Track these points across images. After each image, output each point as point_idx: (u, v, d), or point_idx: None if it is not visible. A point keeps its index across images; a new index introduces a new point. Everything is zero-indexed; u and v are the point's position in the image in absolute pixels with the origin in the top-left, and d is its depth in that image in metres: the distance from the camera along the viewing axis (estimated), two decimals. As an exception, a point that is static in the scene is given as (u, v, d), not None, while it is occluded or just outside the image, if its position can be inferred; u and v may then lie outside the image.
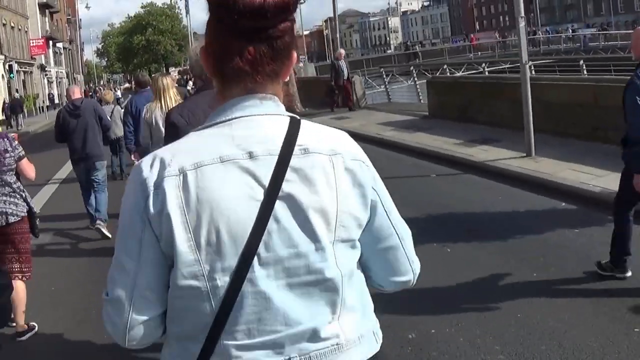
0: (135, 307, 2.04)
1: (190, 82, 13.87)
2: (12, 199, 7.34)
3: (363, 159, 2.20)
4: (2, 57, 66.60)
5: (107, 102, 18.51)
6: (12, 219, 7.28)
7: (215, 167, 1.97)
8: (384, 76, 37.13)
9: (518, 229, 10.45)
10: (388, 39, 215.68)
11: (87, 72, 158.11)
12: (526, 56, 15.50)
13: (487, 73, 34.94)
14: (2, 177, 7.26)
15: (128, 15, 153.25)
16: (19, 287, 7.38)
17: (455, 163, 16.39)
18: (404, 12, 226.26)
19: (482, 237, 10.26)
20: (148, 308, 2.05)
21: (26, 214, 7.52)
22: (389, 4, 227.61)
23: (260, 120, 2.06)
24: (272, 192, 1.97)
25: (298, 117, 2.14)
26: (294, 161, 2.02)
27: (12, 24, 77.38)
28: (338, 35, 35.61)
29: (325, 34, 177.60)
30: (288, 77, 2.23)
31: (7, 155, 7.27)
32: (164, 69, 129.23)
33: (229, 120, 2.06)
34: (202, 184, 1.96)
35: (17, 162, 7.50)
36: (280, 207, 1.98)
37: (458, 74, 37.11)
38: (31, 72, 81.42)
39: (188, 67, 8.47)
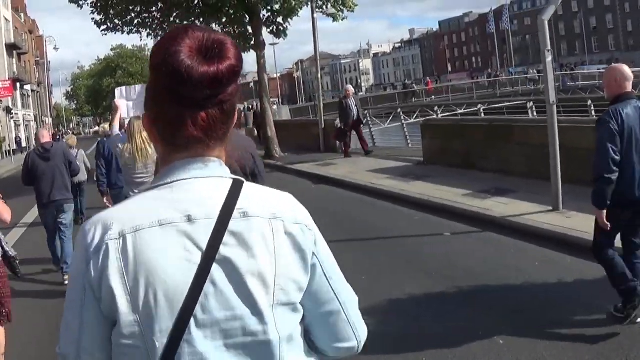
0: None
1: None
2: None
3: (305, 223, 2.17)
4: (-34, 98, 63.46)
5: (71, 147, 18.15)
6: None
7: (154, 231, 1.98)
8: (368, 118, 35.30)
9: (581, 308, 8.44)
10: (359, 81, 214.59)
11: (56, 115, 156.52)
12: (553, 95, 13.44)
13: (482, 114, 32.66)
14: None
15: (98, 57, 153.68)
16: None
17: (469, 218, 14.35)
18: (375, 54, 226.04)
19: (534, 320, 8.12)
20: None
21: (0, 258, 7.33)
22: (360, 45, 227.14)
23: (202, 183, 2.06)
24: (209, 255, 1.98)
25: (242, 180, 2.15)
26: (233, 225, 2.02)
27: (-23, 65, 74.44)
28: (319, 75, 33.85)
29: (295, 76, 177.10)
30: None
31: None
32: None
33: (171, 182, 2.06)
34: (140, 247, 1.96)
35: None
36: (217, 271, 1.98)
37: (439, 116, 35.18)
38: (-3, 115, 78.99)
39: None
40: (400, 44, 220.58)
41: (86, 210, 18.51)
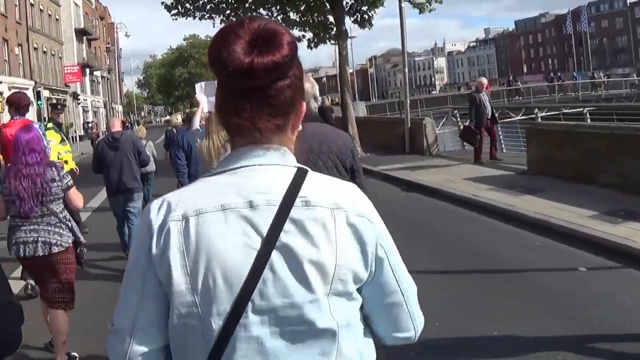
0: (136, 339, 2.10)
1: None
2: (57, 229, 7.41)
3: (368, 216, 2.16)
4: (32, 82, 62.72)
5: (140, 138, 17.57)
6: (55, 249, 7.33)
7: (216, 215, 2.03)
8: (457, 118, 32.73)
9: None
10: (433, 79, 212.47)
11: (127, 103, 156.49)
12: None
13: (589, 120, 29.67)
14: (48, 206, 7.33)
15: (170, 47, 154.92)
16: (61, 317, 7.47)
17: (604, 249, 11.58)
18: (450, 53, 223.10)
19: None
20: (148, 341, 2.10)
21: (71, 244, 7.56)
22: (435, 44, 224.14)
23: (264, 170, 2.10)
24: (270, 241, 2.00)
25: (306, 169, 2.16)
26: (294, 212, 2.04)
27: (45, 49, 73.88)
28: (405, 70, 30.56)
29: (369, 73, 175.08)
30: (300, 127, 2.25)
31: (54, 184, 7.34)
32: None
33: (234, 169, 2.11)
34: (201, 230, 2.01)
35: (65, 191, 7.57)
36: (276, 257, 2.00)
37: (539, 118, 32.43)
38: (64, 100, 77.28)
39: None
40: (475, 43, 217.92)
41: (153, 198, 17.18)
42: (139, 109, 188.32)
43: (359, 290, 2.16)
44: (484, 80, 24.51)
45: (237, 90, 2.04)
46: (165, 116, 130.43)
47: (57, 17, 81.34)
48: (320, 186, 2.13)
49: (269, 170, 2.09)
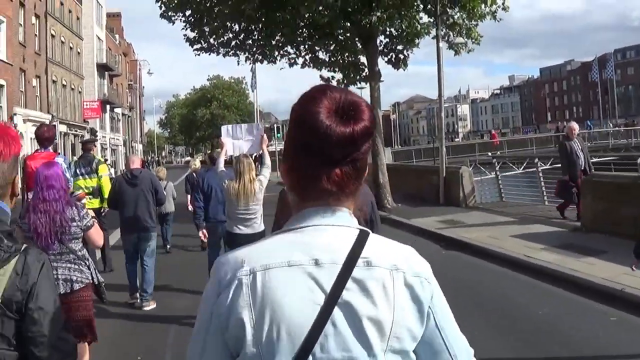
0: None
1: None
2: (76, 266, 7.48)
3: (425, 276, 2.23)
4: (49, 116, 61.11)
5: (161, 179, 18.29)
6: (77, 286, 7.45)
7: (282, 271, 2.09)
8: (495, 164, 31.12)
9: None
10: (456, 126, 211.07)
11: (147, 142, 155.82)
12: None
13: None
14: (67, 245, 7.38)
15: (194, 87, 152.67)
16: (82, 349, 7.59)
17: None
18: (473, 100, 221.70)
19: None
20: None
21: (90, 281, 7.62)
22: (459, 91, 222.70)
23: (330, 230, 2.17)
24: (332, 298, 2.06)
25: (368, 231, 2.23)
26: (356, 272, 2.10)
27: (65, 82, 72.22)
28: (442, 114, 29.06)
29: (392, 119, 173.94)
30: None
31: (74, 224, 7.39)
32: None
33: (302, 227, 2.18)
34: (268, 284, 2.07)
35: (85, 231, 7.62)
36: (337, 313, 2.06)
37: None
38: (82, 137, 75.79)
39: None
40: (499, 90, 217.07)
41: (171, 238, 19.73)
42: (159, 148, 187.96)
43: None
44: (574, 125, 21.17)
45: (332, 157, 2.12)
46: (186, 157, 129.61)
47: (78, 50, 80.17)
48: (381, 248, 2.20)
49: (335, 230, 2.17)
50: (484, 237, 18.42)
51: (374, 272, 2.12)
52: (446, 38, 28.67)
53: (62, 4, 72.20)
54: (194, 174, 19.94)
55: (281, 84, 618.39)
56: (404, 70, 30.30)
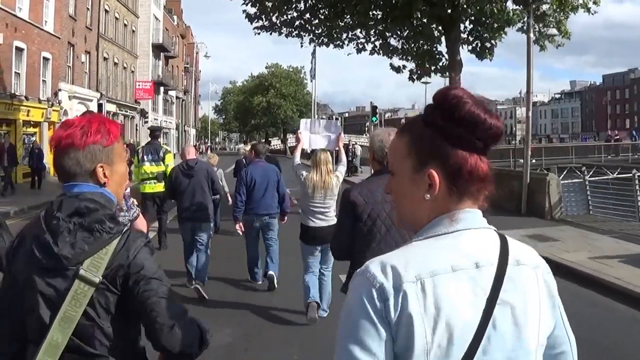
0: None
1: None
2: None
3: (551, 272, 2.32)
4: (97, 94, 58.85)
5: (212, 165, 18.16)
6: None
7: (448, 276, 2.08)
8: (585, 173, 28.31)
9: None
10: (514, 129, 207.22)
11: (201, 127, 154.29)
12: None
13: None
14: None
15: (251, 74, 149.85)
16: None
17: None
18: (534, 103, 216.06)
19: None
20: None
21: None
22: (520, 93, 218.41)
23: (479, 233, 2.19)
24: (492, 299, 2.08)
25: (501, 232, 2.27)
26: (509, 271, 2.14)
27: (116, 60, 69.07)
28: (529, 113, 26.35)
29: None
30: None
31: (122, 214, 7.68)
32: (282, 134, 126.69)
33: (454, 232, 2.17)
34: (438, 291, 2.05)
35: (132, 222, 7.98)
36: (498, 313, 2.08)
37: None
38: (132, 118, 73.05)
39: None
40: (560, 95, 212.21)
41: (220, 223, 20.42)
42: (213, 134, 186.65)
43: None
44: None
45: (483, 144, 2.15)
46: (240, 144, 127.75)
47: (133, 28, 77.27)
48: (520, 247, 2.25)
49: (482, 232, 2.18)
50: (584, 259, 15.68)
51: (523, 270, 2.17)
52: (542, 26, 26.22)
53: (117, -23, 69.46)
54: (244, 159, 20.20)
55: (338, 76, 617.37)
56: (490, 60, 27.67)
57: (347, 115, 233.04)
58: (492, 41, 26.80)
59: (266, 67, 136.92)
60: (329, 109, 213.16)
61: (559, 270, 14.59)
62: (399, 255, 2.15)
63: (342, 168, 11.07)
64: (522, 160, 27.36)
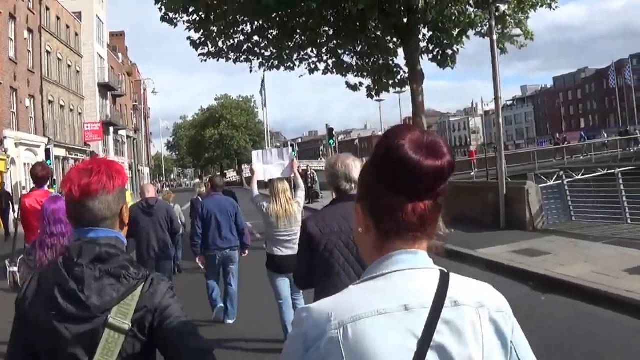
0: None
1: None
2: None
3: (506, 311, 2.26)
4: (45, 139, 56.80)
5: (167, 201, 18.30)
6: None
7: (373, 320, 2.06)
8: (563, 178, 27.29)
9: None
10: (469, 139, 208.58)
11: (155, 165, 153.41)
12: None
13: None
14: None
15: (201, 107, 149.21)
16: None
17: None
18: (486, 112, 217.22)
19: None
20: None
21: None
22: (472, 103, 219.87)
23: (415, 274, 2.17)
24: (425, 343, 2.05)
25: (446, 270, 2.23)
26: (445, 313, 2.10)
27: (62, 103, 67.16)
28: (500, 120, 24.37)
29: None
30: None
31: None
32: (237, 165, 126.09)
33: (387, 273, 2.17)
34: (360, 335, 2.04)
35: None
36: (431, 357, 2.05)
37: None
38: (82, 161, 71.57)
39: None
40: (512, 102, 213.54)
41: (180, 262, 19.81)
42: (168, 171, 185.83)
43: None
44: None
45: (415, 190, 2.12)
46: (195, 179, 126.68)
47: (78, 68, 75.52)
48: (463, 286, 2.20)
49: (418, 274, 2.16)
50: (586, 272, 14.43)
51: (462, 311, 2.12)
52: (504, 27, 25.24)
53: (58, 18, 67.33)
54: (199, 198, 19.58)
55: (289, 101, 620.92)
56: (452, 68, 26.44)
57: (300, 140, 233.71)
58: (454, 47, 25.67)
59: (216, 99, 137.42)
60: (282, 137, 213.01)
61: (560, 287, 13.73)
62: (331, 301, 2.18)
63: (301, 193, 11.29)
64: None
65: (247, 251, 13.76)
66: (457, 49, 25.61)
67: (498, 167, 24.13)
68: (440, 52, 25.64)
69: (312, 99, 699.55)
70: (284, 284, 10.77)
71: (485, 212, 24.16)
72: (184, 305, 5.03)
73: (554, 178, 29.48)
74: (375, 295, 2.10)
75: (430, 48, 25.71)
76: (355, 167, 5.85)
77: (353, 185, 5.87)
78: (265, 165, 11.36)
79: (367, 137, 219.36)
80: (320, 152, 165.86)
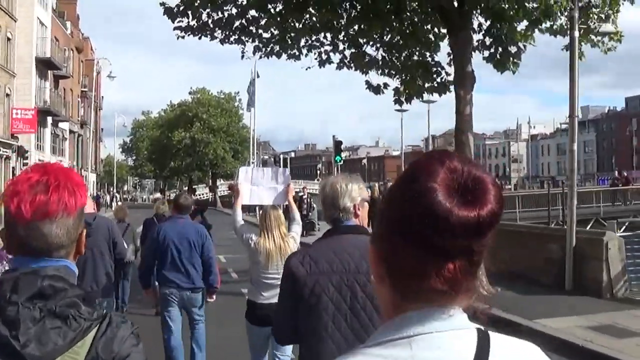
0: None
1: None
2: None
3: None
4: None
5: (120, 220, 19.33)
6: None
7: None
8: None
9: None
10: (508, 170, 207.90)
11: (104, 171, 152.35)
12: None
13: None
14: None
15: (171, 102, 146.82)
16: None
17: None
18: (532, 137, 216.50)
19: None
20: None
21: None
22: (517, 123, 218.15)
23: (446, 339, 2.10)
24: None
25: (485, 330, 2.19)
26: None
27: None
28: (574, 146, 23.10)
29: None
30: None
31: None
32: (211, 179, 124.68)
33: (408, 337, 2.10)
34: None
35: None
36: None
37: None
38: (7, 158, 70.31)
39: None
40: (566, 125, 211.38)
41: (128, 298, 19.86)
42: (121, 180, 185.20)
43: None
44: None
45: (443, 249, 2.04)
46: (156, 193, 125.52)
47: (9, 34, 74.54)
48: (507, 351, 2.16)
49: (451, 337, 2.09)
50: None
51: None
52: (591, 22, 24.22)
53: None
54: (155, 219, 19.83)
55: (282, 108, 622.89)
56: (513, 73, 25.22)
57: (293, 155, 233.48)
58: (520, 44, 24.57)
59: (190, 93, 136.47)
60: (270, 148, 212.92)
61: None
62: None
63: (298, 228, 11.40)
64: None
65: (214, 296, 13.59)
66: (524, 47, 24.65)
67: (568, 210, 23.21)
68: (501, 49, 24.64)
69: (312, 106, 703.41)
70: (265, 340, 10.73)
71: (544, 269, 23.29)
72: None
73: (622, 228, 28.96)
74: None
75: (487, 43, 24.82)
76: (347, 190, 5.78)
77: (346, 215, 5.81)
78: (254, 187, 11.43)
79: (378, 157, 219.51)
80: (318, 171, 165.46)
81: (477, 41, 24.58)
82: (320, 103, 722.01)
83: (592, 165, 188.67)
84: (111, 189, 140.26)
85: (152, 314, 16.20)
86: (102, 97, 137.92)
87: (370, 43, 27.12)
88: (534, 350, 2.25)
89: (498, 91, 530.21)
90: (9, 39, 74.12)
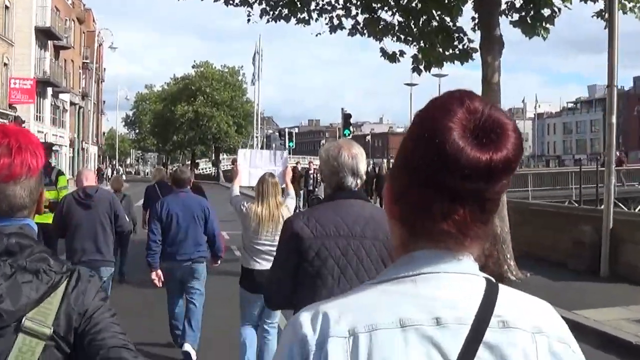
0: None
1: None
2: None
3: (570, 342, 2.20)
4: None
5: (116, 191, 19.45)
6: None
7: (393, 333, 2.03)
8: None
9: None
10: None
11: (106, 145, 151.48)
12: None
13: None
14: None
15: (174, 76, 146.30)
16: None
17: None
18: (539, 115, 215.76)
19: None
20: None
21: None
22: (523, 101, 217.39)
23: (453, 280, 2.11)
24: None
25: (494, 280, 2.18)
26: (489, 335, 2.04)
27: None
28: (613, 118, 21.59)
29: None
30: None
31: None
32: (214, 154, 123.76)
33: (414, 275, 2.12)
34: (376, 352, 2.01)
35: None
36: None
37: None
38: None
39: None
40: (574, 104, 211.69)
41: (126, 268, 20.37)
42: (124, 154, 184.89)
43: None
44: None
45: (452, 189, 2.04)
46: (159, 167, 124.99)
47: (7, 2, 73.65)
48: (517, 303, 2.15)
49: (458, 279, 2.09)
50: None
51: (513, 335, 2.05)
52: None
53: None
54: (156, 186, 20.18)
55: (287, 82, 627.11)
56: (544, 38, 23.48)
57: (296, 130, 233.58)
58: (554, 7, 22.83)
59: (193, 67, 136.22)
60: (274, 124, 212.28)
61: None
62: (339, 302, 2.15)
63: (291, 201, 11.62)
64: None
65: (219, 261, 13.96)
66: (559, 10, 22.93)
67: (605, 188, 21.49)
68: (532, 11, 22.95)
69: (316, 82, 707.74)
70: (257, 306, 10.83)
71: (573, 252, 21.81)
72: (129, 328, 3.86)
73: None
74: (399, 300, 2.06)
75: (517, 5, 23.17)
76: (363, 157, 5.88)
77: (359, 182, 5.86)
78: (252, 169, 12.06)
79: (382, 134, 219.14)
80: (321, 146, 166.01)
81: (506, 3, 23.12)
82: (325, 79, 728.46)
83: (598, 144, 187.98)
84: (113, 162, 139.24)
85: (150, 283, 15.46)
86: (104, 69, 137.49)
87: (385, 7, 25.71)
88: (545, 305, 2.20)
89: (503, 69, 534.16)
90: (7, 7, 73.41)
